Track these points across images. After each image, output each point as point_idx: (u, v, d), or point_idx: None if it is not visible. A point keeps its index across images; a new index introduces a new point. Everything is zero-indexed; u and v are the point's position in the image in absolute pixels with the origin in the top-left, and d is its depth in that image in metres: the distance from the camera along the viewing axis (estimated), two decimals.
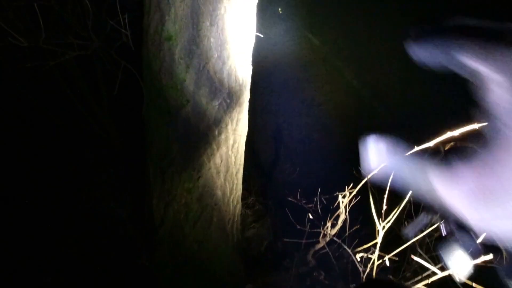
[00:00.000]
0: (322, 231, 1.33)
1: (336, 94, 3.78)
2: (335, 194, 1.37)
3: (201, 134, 1.42)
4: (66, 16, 1.53)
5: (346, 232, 1.31)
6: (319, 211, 1.59)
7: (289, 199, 1.81)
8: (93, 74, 2.03)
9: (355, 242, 1.25)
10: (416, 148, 0.70)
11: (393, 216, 0.83)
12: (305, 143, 3.58)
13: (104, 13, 1.80)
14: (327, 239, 1.31)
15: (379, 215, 0.76)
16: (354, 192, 1.15)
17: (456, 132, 0.65)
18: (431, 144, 0.69)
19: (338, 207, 1.44)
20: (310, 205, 1.70)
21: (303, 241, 1.64)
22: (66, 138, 2.48)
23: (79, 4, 1.59)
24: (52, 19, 1.61)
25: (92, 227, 1.98)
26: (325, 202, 1.64)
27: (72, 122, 2.43)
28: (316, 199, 1.71)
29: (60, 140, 2.46)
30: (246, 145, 1.69)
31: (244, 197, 2.34)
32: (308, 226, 1.67)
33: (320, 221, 1.51)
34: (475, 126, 0.61)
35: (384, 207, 0.77)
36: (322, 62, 3.94)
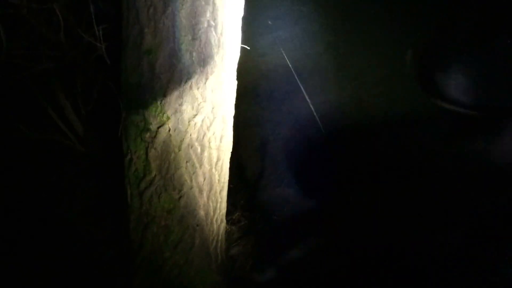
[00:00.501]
0: None
1: (323, 106, 3.79)
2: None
3: (183, 152, 1.35)
4: (40, 27, 1.45)
5: None
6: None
7: (274, 217, 1.75)
8: (72, 87, 1.94)
9: None
10: None
11: None
12: (291, 156, 3.55)
13: (83, 24, 1.72)
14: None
15: None
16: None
17: None
18: None
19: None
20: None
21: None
22: (42, 153, 2.36)
23: (54, 15, 1.51)
24: (25, 30, 1.52)
25: (67, 250, 1.85)
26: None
27: (49, 135, 2.31)
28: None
29: (36, 155, 2.34)
30: (231, 159, 1.63)
31: (229, 212, 2.27)
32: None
33: None
34: None
35: None
36: (309, 73, 3.96)
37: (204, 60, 1.26)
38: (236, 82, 1.46)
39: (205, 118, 1.36)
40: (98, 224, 1.98)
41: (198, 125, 1.35)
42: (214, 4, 1.19)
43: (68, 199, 2.13)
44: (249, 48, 1.59)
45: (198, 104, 1.31)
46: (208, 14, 1.19)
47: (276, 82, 3.91)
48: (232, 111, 1.51)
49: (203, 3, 1.17)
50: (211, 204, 1.55)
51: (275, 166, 3.41)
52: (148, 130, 1.29)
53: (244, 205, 2.78)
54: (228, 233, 2.30)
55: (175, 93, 1.27)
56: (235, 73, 1.44)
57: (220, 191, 1.60)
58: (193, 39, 1.20)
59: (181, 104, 1.29)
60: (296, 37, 4.04)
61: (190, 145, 1.36)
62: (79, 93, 1.93)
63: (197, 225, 1.47)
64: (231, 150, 1.59)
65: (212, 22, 1.21)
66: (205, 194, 1.50)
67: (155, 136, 1.30)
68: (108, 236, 2.00)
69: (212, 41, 1.23)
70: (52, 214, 2.03)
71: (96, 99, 1.46)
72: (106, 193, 2.14)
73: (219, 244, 1.73)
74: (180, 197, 1.38)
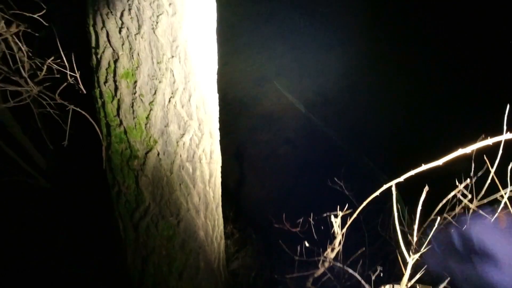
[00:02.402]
0: (322, 257, 1.26)
1: (296, 108, 3.84)
2: (324, 215, 1.32)
3: (175, 175, 1.28)
4: None
5: (339, 255, 1.26)
6: (313, 232, 1.52)
7: (275, 225, 1.73)
8: (33, 122, 1.76)
9: (359, 265, 1.21)
10: (423, 167, 0.67)
11: (425, 248, 0.77)
12: (270, 160, 3.55)
13: (36, 51, 1.58)
14: (326, 264, 1.25)
15: (406, 244, 0.71)
16: (341, 214, 1.12)
17: (468, 149, 0.63)
18: (440, 162, 0.67)
19: (323, 226, 1.39)
20: (296, 229, 1.63)
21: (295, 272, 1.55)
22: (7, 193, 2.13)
23: (7, 45, 1.37)
24: None
25: None
26: (312, 222, 1.58)
27: (14, 178, 2.10)
28: (300, 221, 1.65)
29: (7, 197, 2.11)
30: None
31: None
32: (298, 251, 1.58)
33: (312, 244, 1.45)
34: (488, 141, 0.60)
35: (415, 237, 0.73)
36: (275, 78, 4.01)
37: (185, 77, 1.21)
38: (217, 95, 1.43)
39: (193, 136, 1.31)
40: (84, 263, 1.82)
41: (187, 144, 1.29)
42: (189, 18, 1.15)
43: (50, 242, 1.94)
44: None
45: (185, 123, 1.26)
46: (185, 29, 1.15)
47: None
48: (217, 124, 1.47)
49: (178, 18, 1.12)
50: (209, 223, 1.49)
51: (256, 173, 3.39)
52: (136, 157, 1.21)
53: (233, 217, 2.72)
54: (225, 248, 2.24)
55: (160, 115, 1.21)
56: (216, 86, 1.40)
57: (216, 208, 1.55)
58: (172, 56, 1.15)
59: (167, 125, 1.23)
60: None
61: (181, 166, 1.30)
62: (43, 127, 1.78)
63: (200, 248, 1.40)
64: (221, 164, 1.55)
65: (190, 37, 1.16)
66: (202, 214, 1.44)
67: (144, 163, 1.22)
68: (95, 275, 1.85)
69: (192, 56, 1.19)
70: (36, 257, 1.83)
71: (70, 130, 1.33)
72: (90, 232, 1.98)
73: (221, 262, 1.67)
74: (178, 222, 1.31)
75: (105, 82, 1.17)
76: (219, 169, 1.54)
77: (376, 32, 4.43)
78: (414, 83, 3.94)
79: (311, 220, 1.51)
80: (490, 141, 0.61)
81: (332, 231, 1.22)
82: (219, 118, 1.45)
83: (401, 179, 0.74)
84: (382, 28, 4.49)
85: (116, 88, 1.17)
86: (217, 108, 1.45)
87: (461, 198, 0.94)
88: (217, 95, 1.43)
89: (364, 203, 0.85)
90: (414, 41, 4.37)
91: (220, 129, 1.48)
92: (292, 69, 4.10)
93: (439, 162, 0.67)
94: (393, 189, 0.62)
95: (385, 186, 0.78)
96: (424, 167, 0.68)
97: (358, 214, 1.04)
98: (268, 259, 2.20)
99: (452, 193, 0.97)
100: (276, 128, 3.58)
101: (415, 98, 3.76)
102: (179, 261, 1.34)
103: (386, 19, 4.64)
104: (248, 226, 2.59)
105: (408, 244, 0.84)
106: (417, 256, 0.71)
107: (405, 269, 0.74)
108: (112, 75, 1.16)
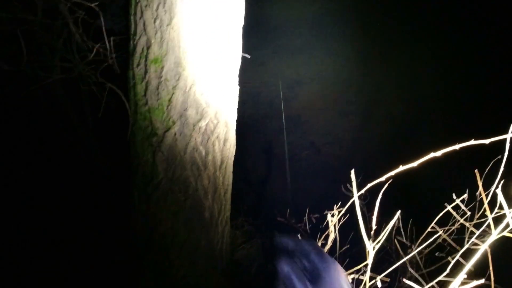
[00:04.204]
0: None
1: (323, 112, 3.86)
2: (324, 213, 1.36)
3: (188, 156, 1.40)
4: (51, 40, 1.53)
5: (336, 252, 1.29)
6: (308, 230, 1.57)
7: (278, 219, 1.79)
8: (78, 97, 2.01)
9: (346, 262, 1.23)
10: (401, 168, 0.71)
11: (383, 236, 0.82)
12: (293, 161, 3.59)
13: (90, 36, 1.81)
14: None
15: (369, 235, 0.75)
16: (343, 211, 1.15)
17: (439, 153, 0.66)
18: (415, 164, 0.70)
19: (328, 225, 1.42)
20: (300, 224, 1.68)
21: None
22: (51, 164, 2.41)
23: (65, 28, 1.60)
24: (37, 42, 1.60)
25: (76, 256, 1.89)
26: (314, 221, 1.62)
27: (57, 147, 2.37)
28: (305, 218, 1.69)
29: (44, 166, 2.39)
30: (236, 164, 1.67)
31: (233, 217, 2.30)
32: None
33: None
34: (456, 147, 0.62)
35: (374, 226, 0.77)
36: (310, 81, 4.04)
37: (207, 68, 1.32)
38: (238, 87, 1.53)
39: (209, 122, 1.42)
40: (105, 228, 2.02)
41: (203, 129, 1.41)
42: (216, 14, 1.26)
43: (76, 204, 2.18)
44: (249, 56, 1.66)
45: (202, 109, 1.38)
46: (211, 24, 1.26)
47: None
48: (234, 116, 1.57)
49: (206, 14, 1.24)
50: (215, 206, 1.59)
51: (279, 171, 3.46)
52: (155, 134, 1.35)
53: (247, 210, 2.81)
54: (232, 237, 2.33)
55: (181, 99, 1.33)
56: (237, 79, 1.50)
57: (224, 193, 1.65)
58: (197, 48, 1.28)
59: (186, 110, 1.35)
60: None
61: (195, 149, 1.42)
62: (87, 104, 2.01)
63: (203, 227, 1.51)
64: (234, 153, 1.64)
65: (215, 32, 1.28)
66: (209, 196, 1.54)
67: (161, 141, 1.35)
68: (116, 243, 2.04)
69: (215, 49, 1.30)
70: (60, 219, 2.07)
71: (105, 109, 1.52)
72: (113, 199, 2.19)
73: (224, 247, 1.76)
74: (185, 199, 1.43)
75: (138, 65, 1.33)
76: (232, 158, 1.64)
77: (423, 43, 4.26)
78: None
79: (313, 219, 1.55)
80: (457, 146, 0.63)
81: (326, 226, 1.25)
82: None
83: (382, 179, 0.77)
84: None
85: (146, 72, 1.32)
86: (236, 100, 1.55)
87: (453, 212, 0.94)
88: (237, 88, 1.53)
89: (347, 205, 0.89)
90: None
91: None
92: (327, 75, 4.10)
93: (414, 164, 0.69)
94: (354, 187, 0.65)
95: (366, 187, 0.82)
96: (401, 168, 0.71)
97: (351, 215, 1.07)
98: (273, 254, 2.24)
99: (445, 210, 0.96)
100: (302, 131, 3.62)
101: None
102: (182, 236, 1.46)
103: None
104: (261, 220, 2.66)
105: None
106: (375, 244, 0.74)
107: (368, 257, 0.77)
108: (144, 59, 1.31)
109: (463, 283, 0.68)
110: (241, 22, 1.40)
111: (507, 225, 0.67)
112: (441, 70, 3.83)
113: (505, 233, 0.71)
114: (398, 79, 3.88)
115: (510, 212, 0.63)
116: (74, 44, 1.72)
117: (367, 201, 1.97)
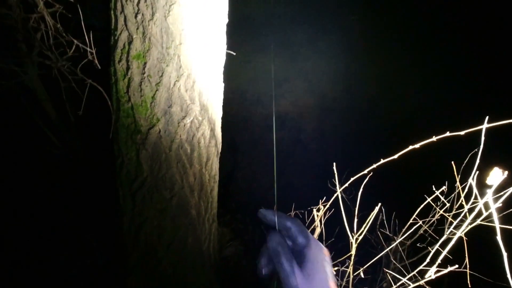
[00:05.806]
0: None
1: (310, 109, 3.89)
2: (309, 208, 1.38)
3: (173, 153, 1.39)
4: (27, 34, 1.47)
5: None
6: None
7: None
8: (59, 94, 1.95)
9: (331, 255, 1.25)
10: (381, 162, 0.72)
11: (364, 228, 0.84)
12: (281, 157, 3.61)
13: (70, 31, 1.75)
14: None
15: (351, 228, 0.77)
16: (328, 206, 1.17)
17: (417, 146, 0.68)
18: (395, 156, 0.72)
19: (314, 220, 1.44)
20: None
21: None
22: (30, 163, 2.33)
23: (42, 22, 1.54)
24: (12, 37, 1.54)
25: (59, 257, 1.84)
26: (300, 216, 1.64)
27: (37, 145, 2.30)
28: (291, 214, 1.71)
29: (24, 165, 2.31)
30: (223, 162, 1.66)
31: (221, 215, 2.29)
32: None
33: None
34: (433, 139, 0.64)
35: (356, 220, 0.78)
36: (296, 78, 4.07)
37: (191, 64, 1.31)
38: (223, 84, 1.52)
39: (194, 119, 1.40)
40: (91, 232, 1.98)
41: (188, 126, 1.39)
42: (199, 10, 1.25)
43: (58, 205, 2.12)
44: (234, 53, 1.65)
45: (187, 106, 1.36)
46: (194, 20, 1.25)
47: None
48: (220, 113, 1.56)
49: (189, 9, 1.23)
50: (202, 203, 1.59)
51: (267, 169, 3.46)
52: (139, 132, 1.33)
53: (235, 208, 2.81)
54: (220, 235, 2.33)
55: (164, 96, 1.31)
56: (222, 76, 1.49)
57: (211, 191, 1.64)
58: (181, 43, 1.26)
59: (170, 106, 1.33)
60: None
61: (180, 146, 1.41)
62: (68, 100, 1.95)
63: (190, 225, 1.50)
64: (220, 150, 1.64)
65: (198, 27, 1.26)
66: (196, 193, 1.54)
67: (146, 138, 1.33)
68: (100, 243, 2.00)
69: (200, 45, 1.29)
70: (43, 220, 2.01)
71: (86, 105, 1.48)
72: (98, 202, 2.14)
73: (211, 244, 1.76)
74: (172, 197, 1.42)
75: (119, 61, 1.30)
76: (218, 155, 1.63)
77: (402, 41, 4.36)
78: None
79: (299, 215, 1.56)
80: (434, 138, 0.65)
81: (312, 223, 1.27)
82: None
83: (365, 171, 0.79)
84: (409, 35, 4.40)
85: (128, 68, 1.29)
86: (221, 97, 1.54)
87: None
88: (222, 85, 1.52)
89: (331, 200, 0.90)
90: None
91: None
92: (313, 72, 4.13)
93: (395, 156, 0.72)
94: (337, 181, 0.67)
95: (352, 179, 0.83)
96: (382, 161, 0.73)
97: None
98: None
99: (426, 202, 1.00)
100: (289, 128, 3.63)
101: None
102: (169, 234, 1.45)
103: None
104: (247, 218, 2.67)
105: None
106: (357, 235, 0.76)
107: (351, 249, 0.80)
108: (125, 55, 1.28)
109: (438, 270, 0.71)
110: (225, 18, 1.39)
111: (480, 213, 0.71)
112: (426, 68, 3.93)
113: (479, 222, 0.74)
114: (384, 76, 3.96)
115: (482, 201, 0.66)
116: (52, 39, 1.67)
117: (352, 195, 2.01)
